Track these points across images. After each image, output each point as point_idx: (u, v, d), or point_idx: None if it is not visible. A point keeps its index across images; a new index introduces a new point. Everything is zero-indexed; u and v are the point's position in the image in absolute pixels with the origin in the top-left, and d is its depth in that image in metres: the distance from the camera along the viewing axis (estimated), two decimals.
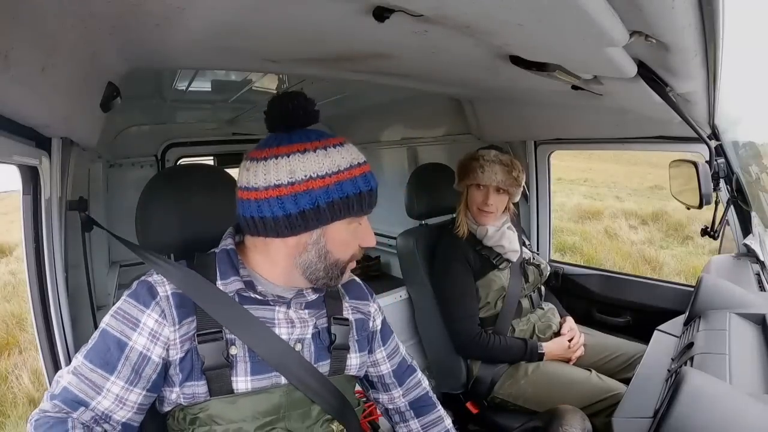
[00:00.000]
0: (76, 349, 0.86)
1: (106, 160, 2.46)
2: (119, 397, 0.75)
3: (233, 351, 0.78)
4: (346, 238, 0.81)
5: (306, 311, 0.86)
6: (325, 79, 1.53)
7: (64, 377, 0.76)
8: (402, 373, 1.05)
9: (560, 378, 1.43)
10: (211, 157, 3.00)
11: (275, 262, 0.81)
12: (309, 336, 0.85)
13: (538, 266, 1.64)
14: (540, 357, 1.49)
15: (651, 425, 0.75)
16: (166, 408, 0.81)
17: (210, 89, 2.15)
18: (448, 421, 1.07)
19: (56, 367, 0.91)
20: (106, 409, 0.75)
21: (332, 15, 0.70)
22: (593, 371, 1.43)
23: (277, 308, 0.83)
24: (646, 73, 0.81)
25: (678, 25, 0.58)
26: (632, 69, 0.79)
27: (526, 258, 1.63)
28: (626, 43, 0.63)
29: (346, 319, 0.91)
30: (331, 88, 2.05)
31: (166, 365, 0.78)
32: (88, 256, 1.67)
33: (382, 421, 1.45)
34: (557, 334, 1.59)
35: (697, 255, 5.76)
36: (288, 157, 0.74)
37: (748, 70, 1.16)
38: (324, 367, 0.86)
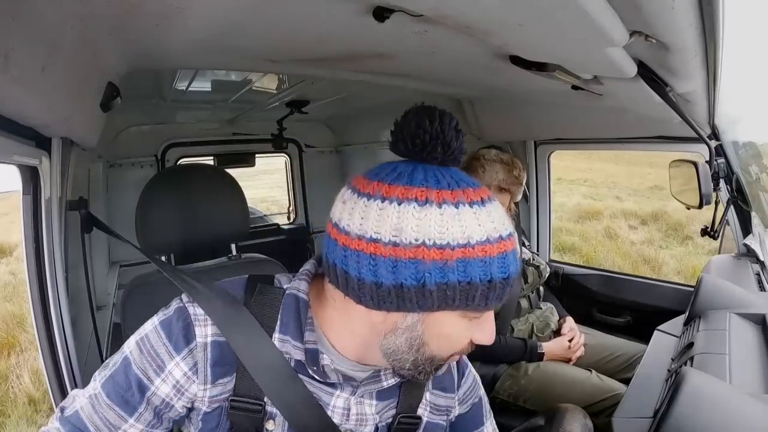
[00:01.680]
0: (77, 350, 0.85)
1: (106, 160, 2.46)
2: None
3: (270, 426, 0.64)
4: (455, 332, 0.58)
5: (374, 402, 0.68)
6: (325, 79, 1.53)
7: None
8: None
9: (560, 378, 1.43)
10: (211, 157, 3.00)
11: (353, 331, 0.61)
12: (365, 430, 0.69)
13: (537, 267, 1.64)
14: (540, 357, 1.49)
15: (651, 425, 0.75)
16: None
17: (210, 89, 2.15)
18: None
19: (56, 367, 0.91)
20: None
21: (332, 15, 0.70)
22: (593, 371, 1.43)
23: (337, 393, 0.65)
24: (646, 73, 0.81)
25: (678, 25, 0.58)
26: (632, 69, 0.79)
27: (526, 259, 1.64)
28: (626, 43, 0.63)
29: (419, 418, 0.72)
30: (331, 88, 2.05)
31: (189, 409, 0.66)
32: (88, 256, 1.67)
33: None
34: (556, 333, 1.59)
35: (697, 255, 5.79)
36: (399, 204, 0.52)
37: (748, 70, 1.15)
38: None
